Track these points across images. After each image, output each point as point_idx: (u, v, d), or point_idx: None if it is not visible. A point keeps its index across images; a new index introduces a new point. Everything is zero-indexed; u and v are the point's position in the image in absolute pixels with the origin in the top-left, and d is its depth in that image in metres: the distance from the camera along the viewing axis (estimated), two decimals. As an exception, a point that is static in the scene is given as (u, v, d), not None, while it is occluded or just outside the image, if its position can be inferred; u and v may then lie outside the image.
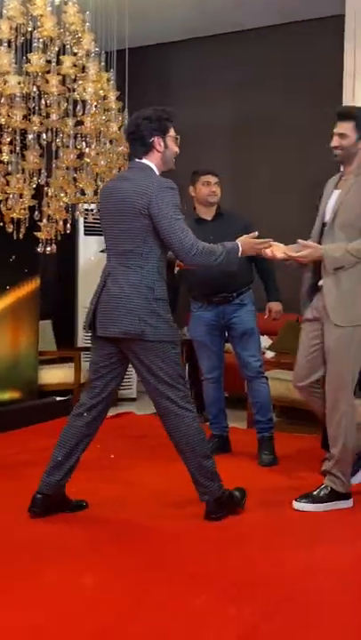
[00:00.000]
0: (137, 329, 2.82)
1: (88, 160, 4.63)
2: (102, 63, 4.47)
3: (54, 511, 3.01)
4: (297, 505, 3.11)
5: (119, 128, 4.78)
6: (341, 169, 3.27)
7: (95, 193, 4.95)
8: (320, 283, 3.16)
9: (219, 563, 2.57)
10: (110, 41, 4.57)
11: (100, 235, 5.88)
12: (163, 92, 6.59)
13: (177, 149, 3.01)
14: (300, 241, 3.10)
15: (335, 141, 3.12)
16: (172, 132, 2.98)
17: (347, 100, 4.75)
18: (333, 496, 3.13)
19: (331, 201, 3.16)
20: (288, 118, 5.76)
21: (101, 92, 4.48)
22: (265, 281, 4.15)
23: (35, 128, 4.21)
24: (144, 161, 2.96)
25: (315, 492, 3.14)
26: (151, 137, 2.92)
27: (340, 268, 3.00)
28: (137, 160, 2.97)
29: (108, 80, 4.57)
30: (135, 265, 2.87)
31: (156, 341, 2.85)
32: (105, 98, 4.59)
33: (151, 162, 2.95)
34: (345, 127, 3.09)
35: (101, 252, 3.19)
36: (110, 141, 4.77)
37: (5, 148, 4.24)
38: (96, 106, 4.44)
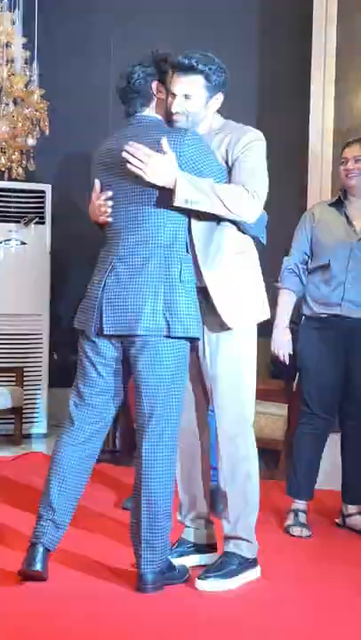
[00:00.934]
0: (161, 324, 2.80)
1: (-15, 125, 4.58)
2: (4, 0, 4.56)
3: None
4: (202, 584, 2.95)
5: (26, 85, 4.76)
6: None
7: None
8: None
9: None
10: (15, -30, 4.63)
11: (4, 222, 6.05)
12: (86, 37, 6.51)
13: None
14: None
15: (177, 105, 2.90)
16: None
17: (316, 47, 4.90)
18: (243, 565, 3.04)
19: None
20: (244, 66, 5.68)
21: (3, 37, 4.52)
22: None
23: None
24: (148, 114, 2.96)
25: (219, 563, 3.04)
26: (148, 83, 2.94)
27: (192, 207, 2.85)
28: (138, 115, 2.96)
29: (12, 22, 4.61)
30: (157, 242, 2.86)
31: (180, 338, 2.84)
32: (8, 45, 4.61)
33: (156, 114, 2.97)
34: (190, 85, 2.89)
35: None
36: (14, 101, 4.73)
37: None
38: (-4, 55, 4.47)
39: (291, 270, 3.82)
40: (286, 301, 3.81)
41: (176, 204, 2.81)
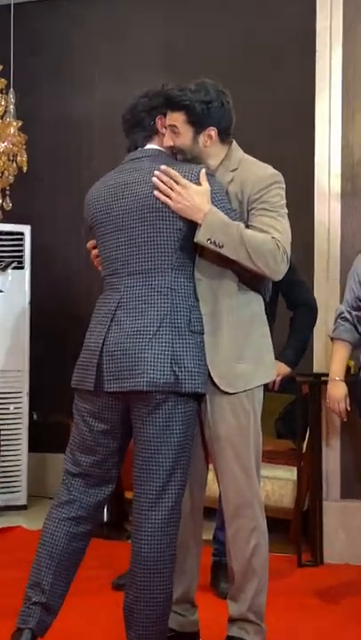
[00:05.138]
0: (169, 377, 2.79)
1: None
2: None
3: None
4: None
5: (1, 117, 4.80)
6: None
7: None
8: None
9: None
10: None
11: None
12: (65, 64, 6.58)
13: None
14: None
15: (167, 139, 3.02)
16: None
17: (322, 64, 4.90)
18: None
19: None
20: (245, 94, 5.46)
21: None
22: (292, 325, 4.20)
23: None
24: (152, 146, 3.04)
25: None
26: (152, 117, 3.03)
27: (214, 248, 2.87)
28: (141, 148, 3.05)
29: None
30: (162, 286, 2.88)
31: (188, 394, 2.84)
32: (-19, 73, 4.75)
33: (160, 147, 3.04)
34: (175, 119, 3.00)
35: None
36: (-11, 134, 4.89)
37: None
38: (-32, 84, 4.56)
39: (344, 318, 3.98)
40: (340, 353, 4.00)
41: (198, 239, 2.85)
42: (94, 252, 3.13)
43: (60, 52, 6.63)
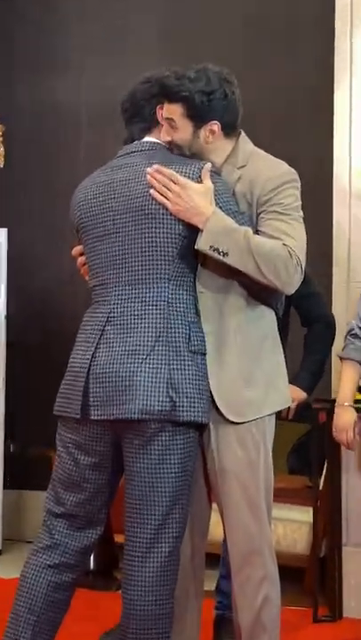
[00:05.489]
0: (165, 404, 2.76)
1: None
2: None
3: None
4: None
5: None
6: None
7: None
8: None
9: None
10: None
11: None
12: (51, 45, 6.53)
13: None
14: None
15: (165, 132, 3.02)
16: None
17: (340, 44, 4.96)
18: None
19: None
20: (253, 81, 5.36)
21: None
22: (307, 344, 4.20)
23: None
24: (150, 139, 3.03)
25: None
26: (152, 106, 3.01)
27: (218, 257, 2.86)
28: (137, 141, 3.05)
29: None
30: (158, 299, 2.86)
31: (187, 424, 2.81)
32: None
33: (159, 140, 3.04)
34: (171, 112, 3.00)
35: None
36: None
37: None
38: None
39: (354, 335, 4.00)
40: (349, 374, 4.00)
41: (199, 246, 2.82)
42: (81, 259, 3.12)
43: (42, 32, 6.59)
